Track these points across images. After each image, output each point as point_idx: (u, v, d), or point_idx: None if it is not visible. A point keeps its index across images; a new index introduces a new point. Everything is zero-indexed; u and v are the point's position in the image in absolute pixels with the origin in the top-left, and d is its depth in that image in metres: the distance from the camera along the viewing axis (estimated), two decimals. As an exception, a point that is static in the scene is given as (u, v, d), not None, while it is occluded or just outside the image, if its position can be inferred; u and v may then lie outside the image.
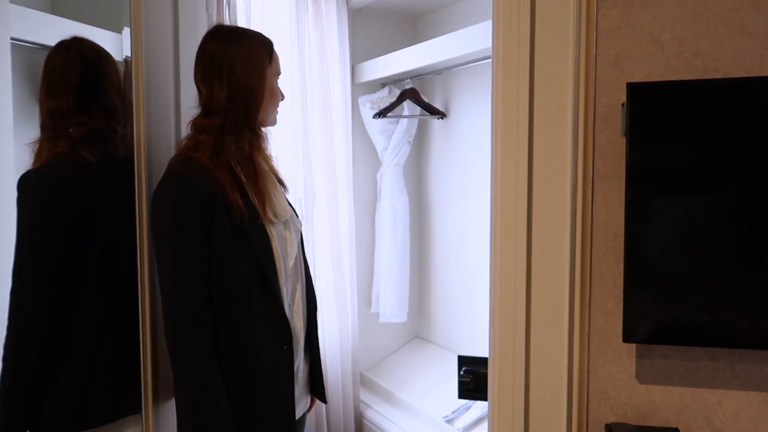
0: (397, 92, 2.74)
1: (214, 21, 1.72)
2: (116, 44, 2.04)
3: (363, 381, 2.79)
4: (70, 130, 1.29)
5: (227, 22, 1.92)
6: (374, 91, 2.85)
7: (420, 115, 2.80)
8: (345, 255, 2.65)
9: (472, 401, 2.39)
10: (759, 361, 1.11)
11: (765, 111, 1.01)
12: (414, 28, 2.98)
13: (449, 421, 2.34)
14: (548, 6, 1.12)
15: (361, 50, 2.80)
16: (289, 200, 1.45)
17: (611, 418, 1.17)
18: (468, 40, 2.27)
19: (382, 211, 2.85)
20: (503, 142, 1.15)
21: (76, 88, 1.32)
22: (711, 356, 1.13)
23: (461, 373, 1.69)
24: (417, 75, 2.72)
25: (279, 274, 1.31)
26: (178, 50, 1.32)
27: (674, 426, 1.14)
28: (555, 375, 1.17)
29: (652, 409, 1.15)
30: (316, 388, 1.50)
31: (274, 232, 1.31)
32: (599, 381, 1.17)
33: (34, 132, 1.41)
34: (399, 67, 2.60)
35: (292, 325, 1.33)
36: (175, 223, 1.20)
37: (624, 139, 1.12)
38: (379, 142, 2.84)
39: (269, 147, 1.37)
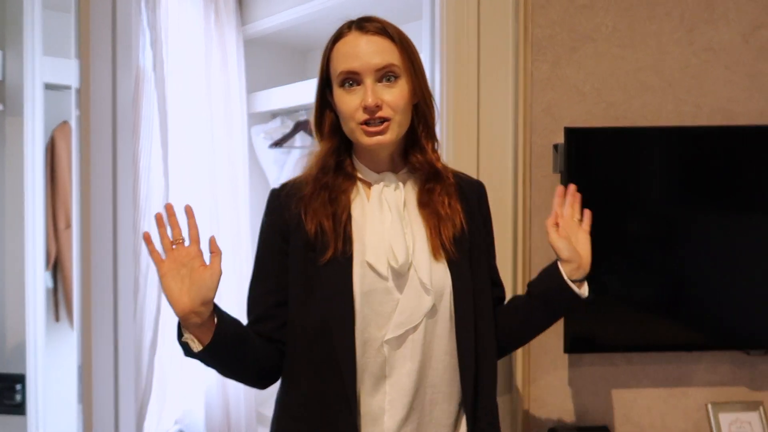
0: (289, 123, 2.76)
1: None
2: None
3: (260, 419, 2.69)
4: None
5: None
6: (265, 122, 2.84)
7: (312, 145, 2.85)
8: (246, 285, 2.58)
9: None
10: (662, 362, 1.32)
11: (657, 153, 1.25)
12: (304, 62, 3.04)
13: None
14: (491, 59, 1.27)
15: (252, 81, 2.79)
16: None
17: (550, 423, 1.31)
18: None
19: (275, 241, 2.84)
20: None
21: None
22: (627, 360, 1.32)
23: None
24: (310, 107, 2.78)
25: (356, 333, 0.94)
26: (116, 77, 1.25)
27: (602, 424, 1.31)
28: (501, 390, 1.28)
29: (583, 412, 1.31)
30: None
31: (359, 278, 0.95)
32: (539, 390, 1.31)
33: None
34: (294, 99, 2.64)
35: (363, 406, 0.95)
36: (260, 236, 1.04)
37: (554, 176, 1.29)
38: (271, 172, 2.83)
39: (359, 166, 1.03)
